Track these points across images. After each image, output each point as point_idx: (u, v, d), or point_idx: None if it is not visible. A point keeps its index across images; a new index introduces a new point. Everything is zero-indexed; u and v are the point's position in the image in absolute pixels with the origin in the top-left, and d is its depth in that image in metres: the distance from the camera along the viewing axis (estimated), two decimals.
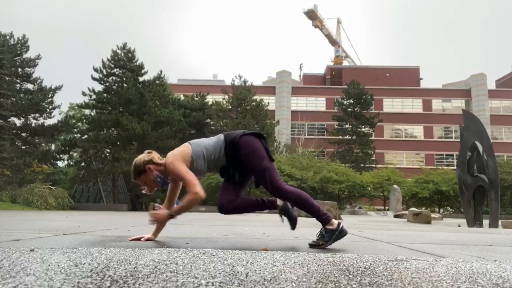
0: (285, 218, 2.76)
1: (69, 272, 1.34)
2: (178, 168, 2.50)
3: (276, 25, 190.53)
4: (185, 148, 2.61)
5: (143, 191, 2.72)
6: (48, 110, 29.36)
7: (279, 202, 2.69)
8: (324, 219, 2.51)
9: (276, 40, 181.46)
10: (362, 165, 35.64)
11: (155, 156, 2.64)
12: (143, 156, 2.63)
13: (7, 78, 25.61)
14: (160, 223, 2.64)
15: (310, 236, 3.02)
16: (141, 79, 30.30)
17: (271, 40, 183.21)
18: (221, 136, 2.68)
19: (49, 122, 29.31)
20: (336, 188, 27.48)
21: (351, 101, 38.75)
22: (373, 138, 39.73)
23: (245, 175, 2.71)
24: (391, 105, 47.49)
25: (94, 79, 29.31)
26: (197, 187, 2.45)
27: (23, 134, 28.54)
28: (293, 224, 2.77)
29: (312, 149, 38.03)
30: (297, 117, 46.33)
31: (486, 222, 9.30)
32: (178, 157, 2.55)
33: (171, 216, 2.56)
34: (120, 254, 1.83)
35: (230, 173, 2.64)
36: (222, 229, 4.41)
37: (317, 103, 48.32)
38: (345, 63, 63.21)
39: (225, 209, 2.63)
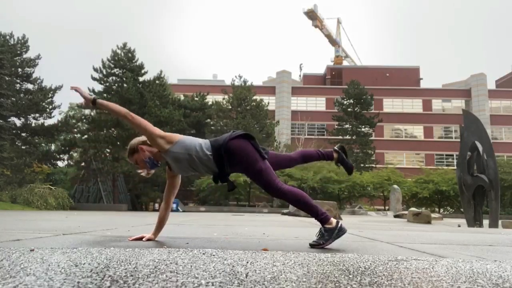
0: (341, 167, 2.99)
1: (69, 272, 1.34)
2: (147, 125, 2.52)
3: (276, 25, 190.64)
4: (177, 134, 2.68)
5: (141, 174, 2.77)
6: (48, 110, 29.33)
7: (335, 155, 2.92)
8: (322, 218, 2.52)
9: (276, 40, 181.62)
10: (362, 165, 35.62)
11: None
12: (139, 137, 2.73)
13: (7, 78, 25.61)
14: (82, 93, 2.54)
15: (310, 236, 3.02)
16: (141, 79, 30.32)
17: (271, 40, 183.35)
18: (208, 142, 2.60)
19: (49, 122, 29.31)
20: (336, 188, 27.49)
21: (351, 101, 38.74)
22: (373, 138, 39.72)
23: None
24: (391, 105, 47.47)
25: (94, 79, 29.33)
26: (136, 117, 2.50)
27: (23, 134, 28.52)
28: (349, 171, 2.98)
29: None
30: (297, 117, 46.31)
31: (486, 222, 9.30)
32: (163, 131, 2.60)
33: (94, 100, 2.53)
34: (120, 254, 1.83)
35: (223, 179, 2.61)
36: (222, 229, 4.42)
37: (317, 103, 48.30)
38: (345, 63, 63.17)
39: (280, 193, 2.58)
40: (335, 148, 2.96)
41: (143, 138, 2.69)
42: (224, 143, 2.51)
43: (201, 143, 2.58)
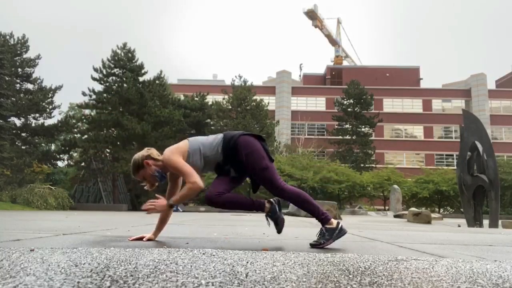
0: (271, 222, 2.78)
1: (69, 272, 1.34)
2: (175, 161, 2.55)
3: (276, 25, 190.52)
4: (182, 144, 2.68)
5: (145, 187, 2.76)
6: (48, 110, 29.30)
7: (267, 205, 2.70)
8: (323, 219, 2.54)
9: (276, 40, 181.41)
10: (362, 165, 35.62)
11: (154, 152, 2.72)
12: (141, 152, 2.72)
13: (7, 78, 25.59)
14: (159, 211, 2.61)
15: (310, 236, 3.03)
16: (141, 79, 30.28)
17: (271, 40, 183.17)
18: (219, 135, 2.71)
19: (49, 122, 29.26)
20: (336, 188, 27.46)
21: (351, 101, 38.74)
22: (373, 138, 39.72)
23: (241, 173, 2.71)
24: (391, 105, 47.48)
25: (94, 79, 29.30)
26: (195, 177, 2.49)
27: (23, 134, 28.50)
28: (279, 228, 2.79)
29: (312, 149, 38.01)
30: (297, 117, 46.32)
31: (486, 222, 9.30)
32: (174, 151, 2.61)
33: (171, 205, 2.57)
34: (120, 254, 1.83)
35: (225, 169, 2.66)
36: (222, 229, 4.42)
37: (317, 103, 48.31)
38: (345, 63, 63.17)
39: (213, 201, 2.56)
40: (271, 199, 2.72)
41: (145, 152, 2.70)
42: (236, 136, 2.62)
43: (208, 139, 2.69)
